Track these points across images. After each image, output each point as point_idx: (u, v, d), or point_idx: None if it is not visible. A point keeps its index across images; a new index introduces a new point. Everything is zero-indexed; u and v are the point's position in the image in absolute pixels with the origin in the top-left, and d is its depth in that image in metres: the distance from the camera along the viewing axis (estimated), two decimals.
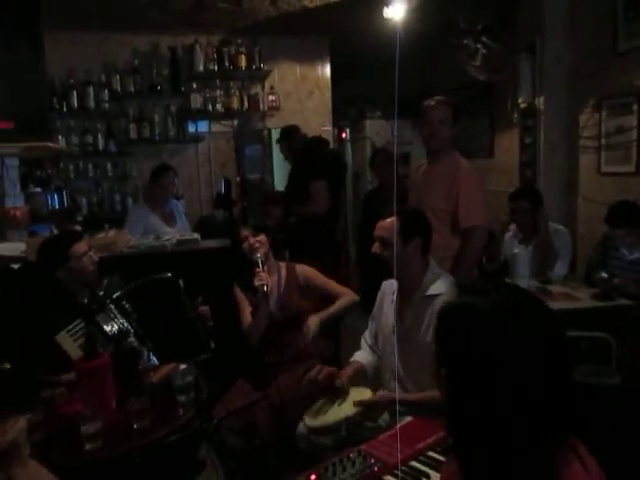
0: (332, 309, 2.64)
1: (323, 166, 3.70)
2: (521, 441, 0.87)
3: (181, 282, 2.26)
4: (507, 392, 0.86)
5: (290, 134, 4.04)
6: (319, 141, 4.05)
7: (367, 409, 1.96)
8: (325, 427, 1.98)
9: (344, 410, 1.98)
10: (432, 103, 2.77)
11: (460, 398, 0.91)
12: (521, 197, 3.40)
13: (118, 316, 2.19)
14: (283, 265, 2.75)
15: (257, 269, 2.52)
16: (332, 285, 2.73)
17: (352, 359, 2.31)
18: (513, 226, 3.47)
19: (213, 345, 2.20)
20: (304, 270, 2.73)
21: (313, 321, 2.55)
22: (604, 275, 2.96)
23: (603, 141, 3.75)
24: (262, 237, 2.63)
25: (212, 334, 2.30)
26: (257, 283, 2.47)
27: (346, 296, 2.70)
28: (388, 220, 2.08)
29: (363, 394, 2.03)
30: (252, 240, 2.61)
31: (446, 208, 2.68)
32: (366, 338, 2.36)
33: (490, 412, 0.87)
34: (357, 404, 1.96)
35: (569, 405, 0.89)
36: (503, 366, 0.86)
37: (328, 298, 2.70)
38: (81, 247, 2.39)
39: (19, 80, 2.81)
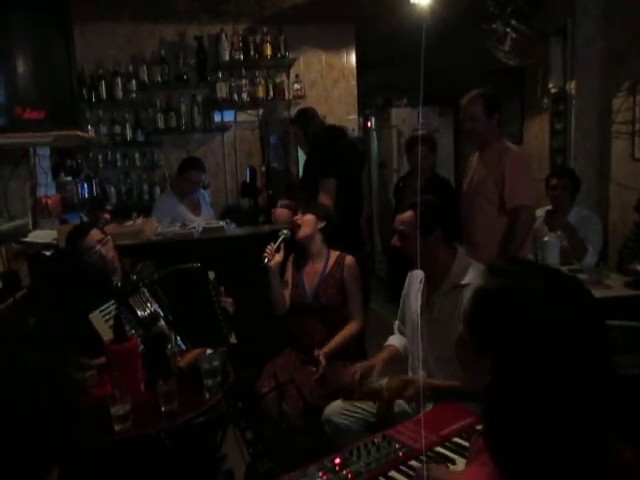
0: (338, 340, 2.54)
1: (336, 162, 3.39)
2: (570, 427, 0.84)
3: (211, 275, 2.29)
4: (558, 376, 0.84)
5: (307, 117, 3.64)
6: (335, 132, 3.72)
7: (404, 384, 1.97)
8: (364, 392, 2.02)
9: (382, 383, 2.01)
10: (464, 101, 2.89)
11: (507, 386, 0.88)
12: (565, 174, 3.46)
13: (150, 300, 2.23)
14: (334, 254, 2.67)
15: (272, 242, 2.57)
16: (356, 301, 2.63)
17: (387, 343, 2.36)
18: (542, 211, 3.41)
19: (235, 340, 2.22)
20: (351, 267, 2.63)
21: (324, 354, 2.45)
22: (638, 268, 2.89)
23: (637, 126, 3.63)
24: (308, 218, 2.63)
25: (234, 323, 2.32)
26: (264, 254, 2.55)
27: (354, 323, 2.60)
28: (407, 213, 2.05)
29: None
30: (297, 217, 2.66)
31: (494, 190, 2.77)
32: (396, 322, 2.39)
33: (536, 399, 0.85)
34: (396, 379, 1.99)
35: (615, 391, 0.88)
36: (555, 350, 0.84)
37: (343, 306, 2.64)
38: (88, 242, 2.40)
39: (50, 71, 2.85)
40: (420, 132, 5.41)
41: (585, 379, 0.85)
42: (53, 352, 2.28)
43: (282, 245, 2.62)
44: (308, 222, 2.62)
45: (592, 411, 0.85)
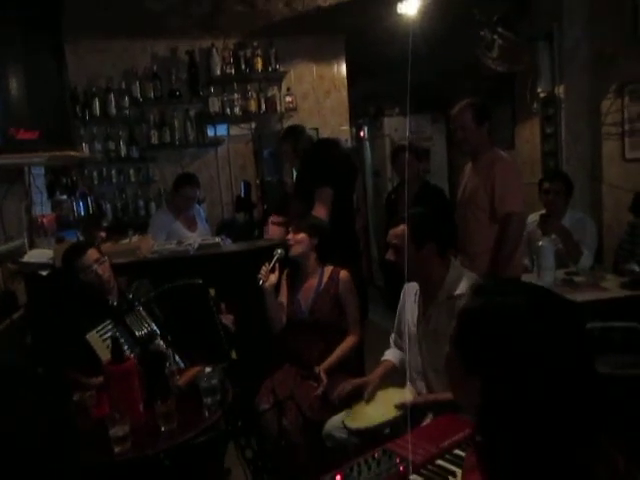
0: (338, 354, 2.55)
1: (330, 172, 3.37)
2: (558, 437, 0.84)
3: (213, 291, 2.29)
4: (546, 390, 0.84)
5: (296, 134, 3.69)
6: (326, 143, 3.77)
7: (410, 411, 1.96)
8: (370, 429, 1.99)
9: (386, 413, 2.00)
10: (454, 111, 2.90)
11: (497, 405, 0.87)
12: (558, 178, 3.47)
13: (146, 318, 2.23)
14: (328, 270, 2.67)
15: (266, 263, 2.57)
16: (352, 314, 2.63)
17: (383, 358, 2.35)
18: (536, 216, 3.42)
19: (235, 356, 2.22)
20: (345, 281, 2.63)
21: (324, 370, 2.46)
22: (635, 268, 2.90)
23: (627, 127, 3.67)
24: (301, 236, 2.62)
25: (234, 339, 2.33)
26: (259, 275, 2.55)
27: (352, 337, 2.60)
28: (400, 227, 2.06)
29: (402, 395, 2.05)
30: (289, 237, 2.65)
31: (486, 199, 2.78)
32: (392, 336, 2.39)
33: (526, 416, 0.85)
34: (399, 407, 1.98)
35: (603, 399, 0.88)
36: (541, 364, 0.84)
37: (340, 320, 2.64)
38: (84, 261, 2.40)
39: (43, 90, 2.86)
40: (403, 142, 5.39)
41: (572, 390, 0.85)
42: (51, 371, 2.27)
43: (277, 265, 2.62)
44: (301, 241, 2.62)
45: (583, 423, 0.85)
